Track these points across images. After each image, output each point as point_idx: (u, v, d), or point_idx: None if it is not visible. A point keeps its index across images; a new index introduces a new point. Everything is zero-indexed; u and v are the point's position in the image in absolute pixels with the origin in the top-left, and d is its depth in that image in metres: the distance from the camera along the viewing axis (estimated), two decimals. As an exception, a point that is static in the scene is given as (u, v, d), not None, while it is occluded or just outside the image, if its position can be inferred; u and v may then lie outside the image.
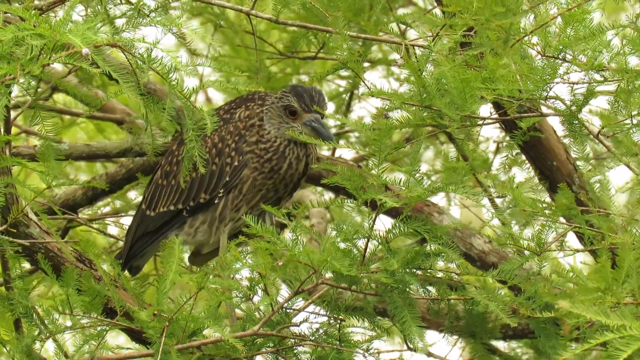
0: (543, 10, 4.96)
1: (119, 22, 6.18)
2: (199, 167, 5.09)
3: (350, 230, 4.93)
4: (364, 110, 8.38)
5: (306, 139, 5.34)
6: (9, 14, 4.84)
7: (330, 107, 7.84)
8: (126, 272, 5.76)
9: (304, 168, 5.53)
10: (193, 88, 4.78)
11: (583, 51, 4.92)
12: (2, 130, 4.92)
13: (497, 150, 7.66)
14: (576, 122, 5.07)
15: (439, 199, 7.52)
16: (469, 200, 4.99)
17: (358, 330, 5.12)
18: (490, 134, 7.98)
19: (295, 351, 5.04)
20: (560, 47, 4.94)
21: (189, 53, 6.91)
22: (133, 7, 5.73)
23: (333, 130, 7.73)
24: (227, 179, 5.52)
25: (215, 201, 5.55)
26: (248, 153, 5.52)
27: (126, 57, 4.53)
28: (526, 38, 4.99)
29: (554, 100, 5.06)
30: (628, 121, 5.01)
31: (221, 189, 5.53)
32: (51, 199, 6.52)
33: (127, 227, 5.96)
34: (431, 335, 6.53)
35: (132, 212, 7.05)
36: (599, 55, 4.92)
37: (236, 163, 5.52)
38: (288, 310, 5.03)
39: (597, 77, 4.98)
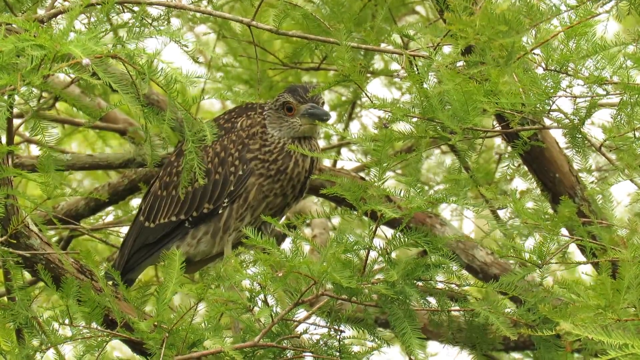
0: (544, 28, 4.94)
1: (122, 31, 6.17)
2: (199, 179, 5.08)
3: (351, 242, 4.92)
4: (366, 117, 8.37)
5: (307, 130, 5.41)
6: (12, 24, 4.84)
7: (333, 115, 7.82)
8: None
9: (310, 164, 5.52)
10: (193, 99, 4.78)
11: (584, 64, 4.91)
12: (3, 139, 4.91)
13: (499, 161, 7.65)
14: (579, 135, 5.05)
15: (446, 210, 7.51)
16: (471, 211, 4.98)
17: (358, 341, 5.12)
18: (492, 142, 7.96)
19: (295, 363, 5.04)
20: (563, 60, 4.92)
21: (194, 62, 6.90)
22: (135, 15, 5.72)
23: (334, 135, 7.72)
24: (232, 188, 5.51)
25: (220, 211, 5.54)
26: (252, 160, 5.51)
27: (126, 69, 4.52)
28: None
29: (556, 113, 5.05)
30: (630, 134, 4.98)
31: (225, 199, 5.52)
32: (50, 211, 6.49)
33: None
34: (432, 346, 6.52)
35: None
36: (602, 69, 4.90)
37: (240, 172, 5.50)
38: (288, 322, 5.01)
39: (600, 90, 4.96)
